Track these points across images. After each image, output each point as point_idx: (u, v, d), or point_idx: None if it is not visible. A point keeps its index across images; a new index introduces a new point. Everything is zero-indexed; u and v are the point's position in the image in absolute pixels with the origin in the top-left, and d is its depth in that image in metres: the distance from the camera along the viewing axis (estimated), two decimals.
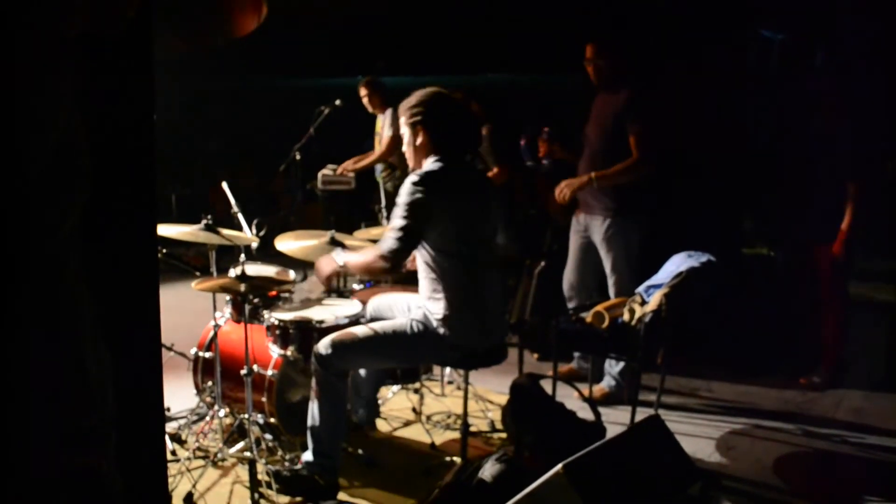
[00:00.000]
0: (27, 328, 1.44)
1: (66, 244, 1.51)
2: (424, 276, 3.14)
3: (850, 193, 4.35)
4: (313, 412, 3.19)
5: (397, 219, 3.01)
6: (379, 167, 6.30)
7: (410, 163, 3.23)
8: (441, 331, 3.07)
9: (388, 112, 6.12)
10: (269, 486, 3.19)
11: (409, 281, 3.59)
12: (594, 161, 4.33)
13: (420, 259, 3.13)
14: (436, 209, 3.00)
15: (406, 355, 3.25)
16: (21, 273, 1.41)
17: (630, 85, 4.27)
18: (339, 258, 3.21)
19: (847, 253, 4.42)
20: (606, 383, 4.38)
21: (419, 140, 3.13)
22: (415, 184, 2.99)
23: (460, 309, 3.06)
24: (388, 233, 3.03)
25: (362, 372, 3.51)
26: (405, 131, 3.19)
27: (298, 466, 3.24)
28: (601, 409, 3.57)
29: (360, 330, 3.18)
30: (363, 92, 6.19)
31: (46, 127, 1.42)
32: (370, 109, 6.26)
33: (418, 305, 3.20)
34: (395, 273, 3.12)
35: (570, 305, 4.53)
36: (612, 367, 4.35)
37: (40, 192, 1.42)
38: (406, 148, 3.22)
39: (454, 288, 3.06)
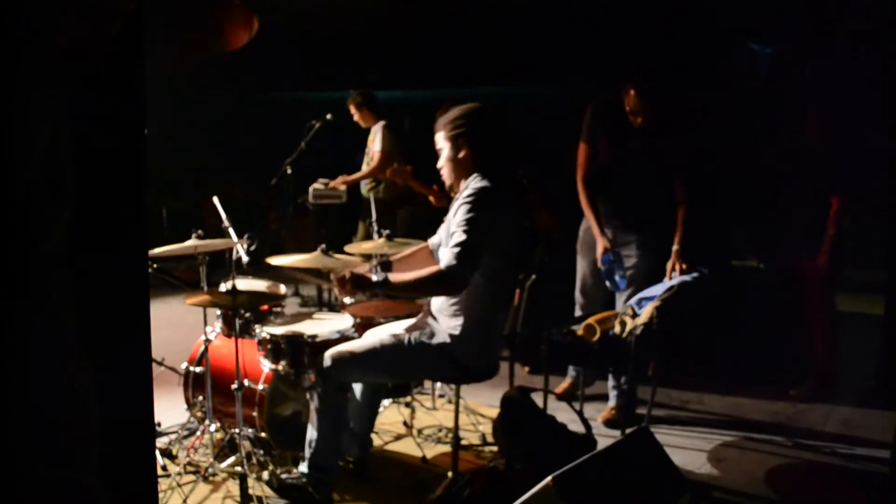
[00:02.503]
0: (9, 343, 1.44)
1: (49, 257, 1.51)
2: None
3: (832, 207, 4.40)
4: (312, 425, 3.19)
5: (459, 234, 2.88)
6: (364, 181, 6.31)
7: (448, 178, 3.16)
8: (448, 347, 3.05)
9: (380, 126, 6.11)
10: (259, 500, 3.18)
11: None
12: (642, 196, 4.22)
13: None
14: (493, 226, 2.96)
15: (405, 369, 3.25)
16: (3, 286, 1.42)
17: (673, 124, 4.19)
18: (379, 275, 2.98)
19: (831, 265, 4.45)
20: (614, 401, 4.35)
21: (461, 154, 3.07)
22: (476, 198, 2.91)
23: (474, 332, 3.04)
24: (450, 249, 2.90)
25: (357, 391, 3.50)
26: (444, 145, 3.11)
27: (294, 476, 3.23)
28: (592, 423, 3.58)
29: (360, 343, 3.19)
30: (351, 110, 6.20)
31: (31, 142, 1.42)
32: (363, 124, 6.27)
33: (426, 321, 3.18)
34: (458, 294, 2.94)
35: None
36: (617, 381, 4.33)
37: (24, 206, 1.42)
38: (444, 163, 3.13)
39: (476, 309, 3.02)
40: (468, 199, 2.93)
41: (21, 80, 1.40)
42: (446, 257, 2.88)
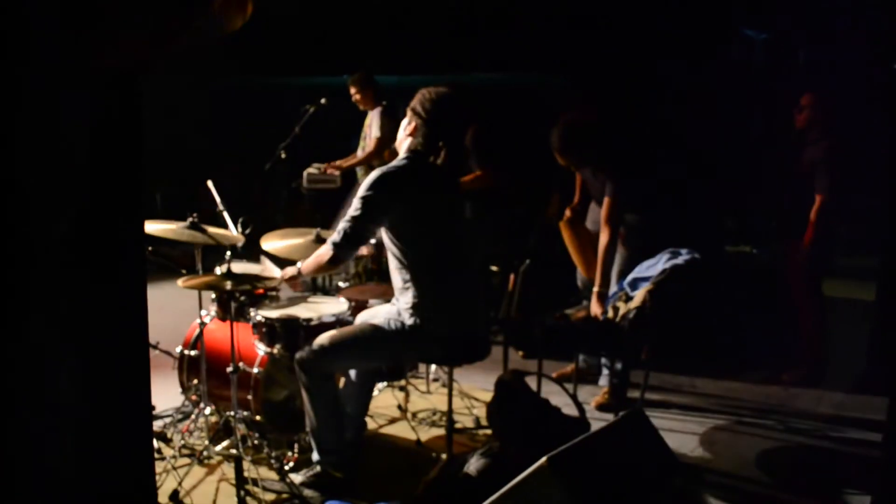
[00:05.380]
0: (11, 327, 1.45)
1: (59, 246, 1.52)
2: (394, 269, 3.16)
3: (817, 201, 4.42)
4: (309, 416, 3.22)
5: (351, 212, 3.05)
6: (359, 166, 6.29)
7: (397, 142, 3.26)
8: (412, 321, 3.07)
9: (378, 111, 6.05)
10: (255, 483, 3.20)
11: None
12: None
13: (389, 252, 3.16)
14: (394, 205, 3.04)
15: (385, 353, 3.27)
16: (15, 273, 1.42)
17: (598, 165, 4.32)
18: (299, 264, 3.28)
19: (814, 253, 4.47)
20: (607, 381, 4.37)
21: (409, 130, 3.17)
22: (375, 181, 3.03)
23: (429, 296, 3.07)
24: (340, 225, 3.07)
25: (352, 374, 3.50)
26: (407, 114, 3.19)
27: (311, 469, 3.28)
28: (585, 408, 3.60)
29: (338, 331, 3.21)
30: (352, 90, 6.12)
31: (46, 141, 1.43)
32: (361, 107, 6.21)
33: (393, 302, 3.22)
34: (339, 266, 3.20)
35: (585, 302, 4.55)
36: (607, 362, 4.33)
37: (36, 197, 1.43)
38: (401, 130, 3.23)
39: (422, 276, 3.08)
40: (363, 186, 3.06)
41: (47, 82, 1.42)
42: (335, 232, 3.10)
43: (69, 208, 1.54)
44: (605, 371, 4.40)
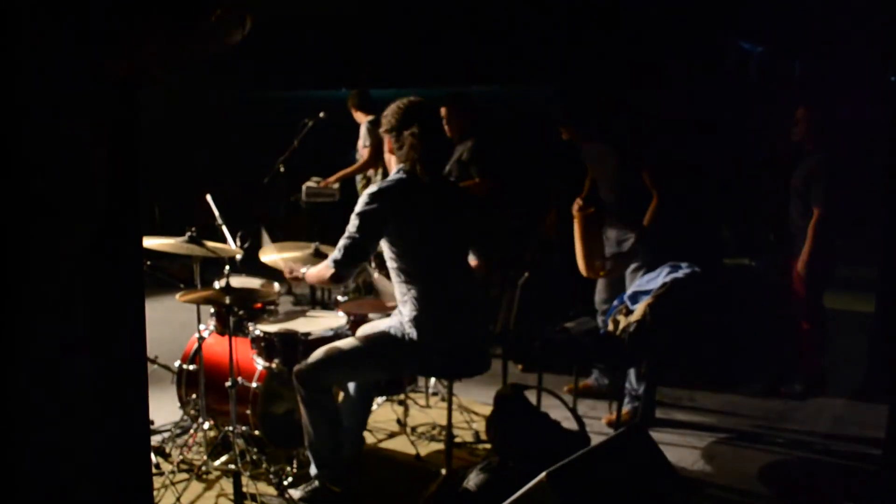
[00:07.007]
0: (21, 338, 1.45)
1: (77, 262, 1.53)
2: (395, 282, 3.17)
3: (814, 216, 4.43)
4: (307, 430, 3.20)
5: (349, 229, 3.05)
6: (357, 177, 6.35)
7: (388, 166, 3.28)
8: (412, 333, 3.07)
9: (365, 123, 6.17)
10: (253, 498, 3.18)
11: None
12: (612, 210, 4.43)
13: (388, 265, 3.16)
14: (392, 219, 3.05)
15: (384, 364, 3.24)
16: (32, 284, 1.43)
17: (604, 136, 4.36)
18: (304, 269, 3.29)
19: (812, 269, 4.47)
20: (630, 405, 4.31)
21: (388, 148, 3.20)
22: (370, 196, 3.04)
23: (428, 306, 3.07)
24: (340, 242, 3.07)
25: (350, 388, 3.49)
26: (384, 136, 3.22)
27: (310, 483, 3.26)
28: (595, 422, 3.58)
29: (337, 344, 3.20)
30: (350, 106, 6.27)
31: (68, 155, 1.44)
32: (359, 123, 6.32)
33: (395, 314, 3.22)
34: (341, 284, 3.19)
35: (601, 319, 4.52)
36: (632, 384, 4.29)
37: (54, 212, 1.44)
38: (385, 154, 3.26)
39: (421, 288, 3.08)
40: (360, 203, 3.07)
41: (75, 101, 1.43)
42: (336, 250, 3.09)
43: (91, 222, 1.55)
44: (629, 390, 4.32)
